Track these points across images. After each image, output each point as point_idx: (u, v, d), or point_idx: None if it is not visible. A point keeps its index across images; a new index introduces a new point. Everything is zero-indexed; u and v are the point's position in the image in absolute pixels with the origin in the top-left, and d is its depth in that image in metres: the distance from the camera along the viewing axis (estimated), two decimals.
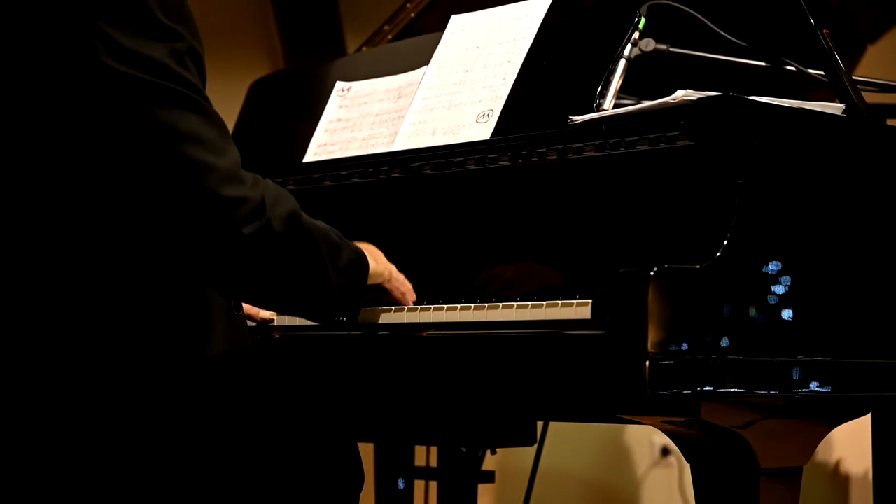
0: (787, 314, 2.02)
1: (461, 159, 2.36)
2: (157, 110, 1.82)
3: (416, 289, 2.26)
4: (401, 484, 3.06)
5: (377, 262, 2.19)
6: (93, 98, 1.82)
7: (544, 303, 2.03)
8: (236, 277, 1.93)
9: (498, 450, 3.00)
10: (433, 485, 3.50)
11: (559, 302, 2.01)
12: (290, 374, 2.26)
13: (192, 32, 1.89)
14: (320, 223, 2.05)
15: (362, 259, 2.12)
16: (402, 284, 2.25)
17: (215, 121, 1.88)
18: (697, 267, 1.93)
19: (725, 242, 1.96)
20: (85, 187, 1.86)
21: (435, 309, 2.18)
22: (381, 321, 2.24)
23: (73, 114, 1.83)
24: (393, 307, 2.24)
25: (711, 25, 2.37)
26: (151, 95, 1.82)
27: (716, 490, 2.05)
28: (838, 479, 4.11)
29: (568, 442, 4.14)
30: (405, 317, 2.21)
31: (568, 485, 4.39)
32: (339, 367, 2.38)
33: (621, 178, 2.14)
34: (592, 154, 2.18)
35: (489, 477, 2.99)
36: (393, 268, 2.23)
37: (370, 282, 2.15)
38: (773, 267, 2.01)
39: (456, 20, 2.59)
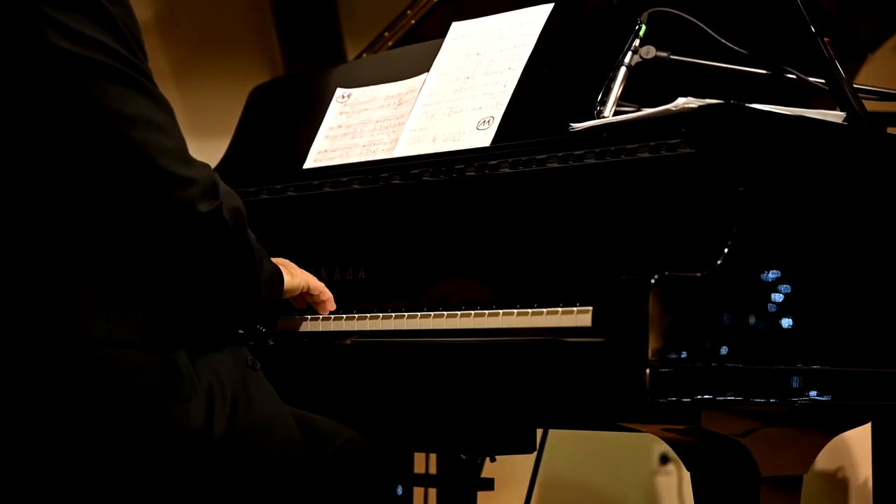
0: (786, 322, 2.02)
1: (461, 166, 2.35)
2: (108, 90, 1.87)
3: (415, 296, 2.26)
4: (399, 490, 3.05)
5: (293, 275, 2.26)
6: (47, 79, 1.87)
7: (545, 310, 2.02)
8: (190, 257, 1.94)
9: (497, 457, 3.00)
10: (432, 492, 3.49)
11: (559, 309, 2.01)
12: (288, 377, 2.27)
13: (131, 16, 1.94)
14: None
15: (278, 273, 2.17)
16: (322, 293, 2.31)
17: (163, 104, 1.94)
18: (698, 275, 1.93)
19: (726, 250, 1.96)
20: (41, 168, 1.90)
21: (435, 316, 2.18)
22: (381, 328, 2.24)
23: (29, 96, 1.88)
24: (393, 314, 2.24)
25: (712, 33, 2.37)
26: (102, 75, 1.87)
27: (716, 498, 2.05)
28: (838, 488, 4.11)
29: (567, 449, 4.14)
30: (405, 323, 2.21)
31: (567, 492, 4.39)
32: (335, 375, 2.38)
33: (622, 186, 2.14)
34: (593, 161, 2.18)
35: (488, 484, 2.98)
36: (310, 278, 2.30)
37: (287, 295, 2.23)
38: (772, 275, 2.01)
39: (456, 27, 2.59)
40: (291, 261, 2.32)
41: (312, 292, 2.30)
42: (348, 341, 2.32)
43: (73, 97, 1.87)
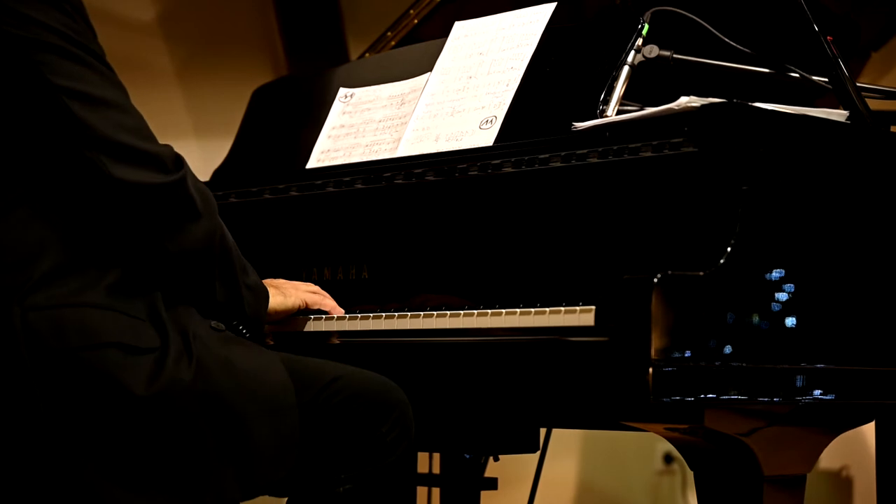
0: (790, 321, 2.02)
1: (464, 166, 2.35)
2: (62, 69, 1.91)
3: (418, 295, 2.26)
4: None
5: (286, 296, 2.27)
6: (3, 63, 1.91)
7: (547, 309, 2.02)
8: (149, 229, 1.96)
9: (501, 456, 3.00)
10: (436, 491, 3.49)
11: (562, 308, 2.01)
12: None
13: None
14: None
15: (264, 290, 2.18)
16: (321, 304, 2.32)
17: (117, 83, 1.97)
18: (701, 274, 1.92)
19: (729, 249, 1.96)
20: (7, 149, 1.94)
21: (438, 316, 2.18)
22: (383, 328, 2.24)
23: None
24: (396, 313, 2.24)
25: (715, 32, 2.37)
26: (54, 55, 1.91)
27: (719, 497, 2.05)
28: (842, 487, 4.11)
29: (571, 449, 4.14)
30: (408, 323, 2.21)
31: (571, 492, 4.38)
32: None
33: (625, 185, 2.14)
34: (596, 160, 2.18)
35: (492, 484, 2.98)
36: (307, 296, 2.31)
37: (282, 315, 2.26)
38: (776, 274, 2.01)
39: (459, 27, 2.59)
40: (294, 260, 2.32)
41: (311, 307, 2.32)
42: (351, 340, 2.31)
43: (27, 76, 1.91)
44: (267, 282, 2.22)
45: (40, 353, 1.87)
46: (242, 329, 2.12)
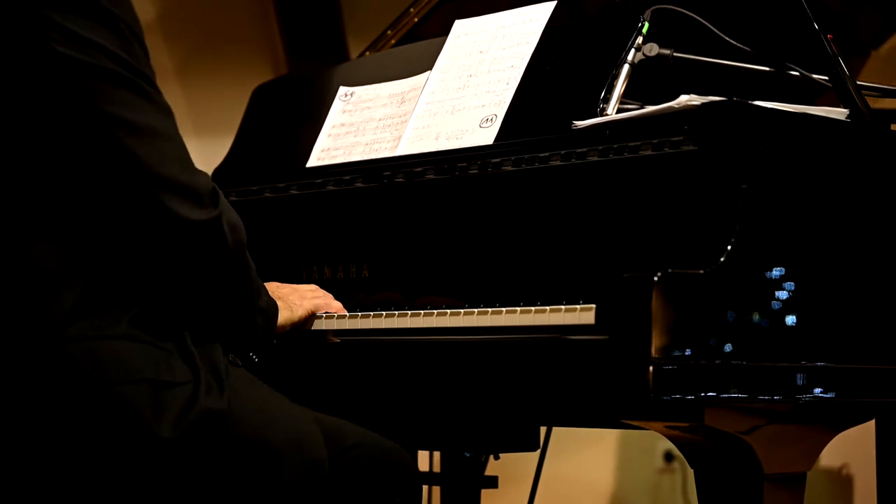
0: (790, 319, 2.02)
1: (464, 164, 2.35)
2: (112, 96, 1.86)
3: (419, 294, 2.26)
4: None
5: (293, 310, 2.24)
6: (51, 85, 1.86)
7: (547, 307, 2.02)
8: (182, 264, 1.92)
9: (501, 455, 3.00)
10: (436, 490, 3.50)
11: (562, 307, 2.00)
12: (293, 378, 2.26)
13: (132, 15, 1.92)
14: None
15: (274, 306, 2.14)
16: (328, 305, 2.31)
17: (164, 108, 1.92)
18: (701, 272, 1.92)
19: (729, 248, 1.96)
20: (38, 171, 1.88)
21: (438, 314, 2.17)
22: (384, 326, 2.24)
23: (33, 101, 1.86)
24: (396, 312, 2.24)
25: (715, 30, 2.37)
26: (106, 82, 1.86)
27: (720, 496, 2.05)
28: (843, 485, 4.11)
29: (571, 447, 4.14)
30: (408, 322, 2.21)
31: (571, 490, 4.38)
32: (339, 373, 2.38)
33: (625, 183, 2.14)
34: (596, 159, 2.18)
35: (492, 482, 2.98)
36: (316, 300, 2.29)
37: (289, 328, 2.23)
38: (776, 272, 2.01)
39: (459, 25, 2.59)
40: (295, 259, 2.32)
41: (317, 313, 2.30)
42: (351, 339, 2.31)
43: (76, 102, 1.85)
44: (272, 292, 2.18)
45: (79, 385, 1.83)
46: (253, 356, 2.10)
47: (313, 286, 2.36)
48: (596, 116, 2.24)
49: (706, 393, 1.90)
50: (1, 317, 1.86)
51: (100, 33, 1.86)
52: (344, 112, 2.70)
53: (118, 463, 1.84)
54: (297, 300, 2.27)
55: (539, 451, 3.13)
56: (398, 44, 3.10)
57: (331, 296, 2.35)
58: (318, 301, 2.31)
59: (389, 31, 3.14)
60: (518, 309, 2.06)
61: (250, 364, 2.10)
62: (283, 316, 2.20)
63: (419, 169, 2.42)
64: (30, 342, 1.84)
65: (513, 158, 2.29)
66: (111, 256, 1.90)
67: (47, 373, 1.83)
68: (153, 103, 1.90)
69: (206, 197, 1.93)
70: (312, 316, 2.32)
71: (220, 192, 1.97)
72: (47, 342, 1.84)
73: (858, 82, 2.38)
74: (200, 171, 1.95)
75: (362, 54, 3.21)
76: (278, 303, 2.16)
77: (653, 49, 2.31)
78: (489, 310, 2.11)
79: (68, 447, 1.84)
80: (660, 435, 2.07)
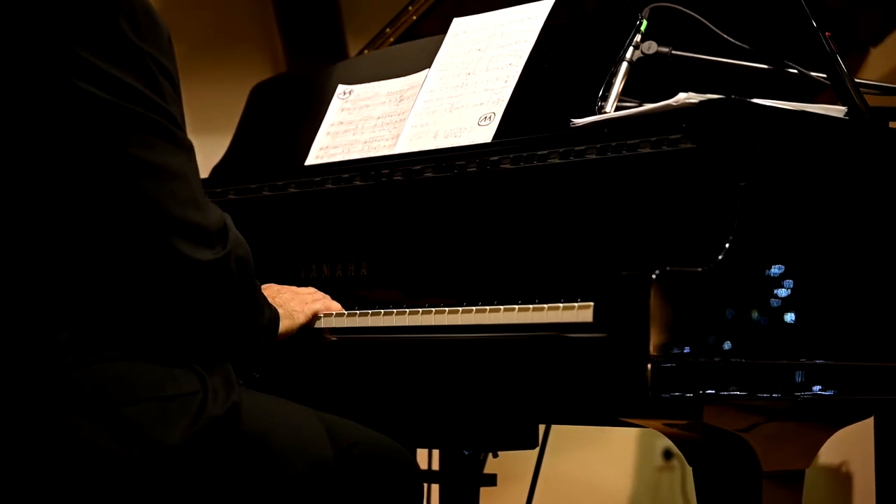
0: (789, 317, 2.02)
1: (463, 162, 2.35)
2: (130, 136, 1.81)
3: (417, 292, 2.25)
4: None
5: (293, 318, 2.23)
6: (68, 121, 1.81)
7: (546, 305, 2.02)
8: (186, 302, 1.89)
9: (500, 453, 3.00)
10: (435, 488, 3.50)
11: (560, 305, 2.01)
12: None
13: (163, 48, 1.87)
14: None
15: (276, 319, 2.12)
16: (328, 307, 2.29)
17: (183, 147, 1.88)
18: (699, 270, 1.92)
19: (727, 245, 1.96)
20: (46, 203, 1.84)
21: (436, 312, 2.17)
22: (381, 324, 2.24)
23: (49, 134, 1.82)
24: (395, 310, 2.24)
25: (713, 28, 2.37)
26: (125, 122, 1.81)
27: (718, 493, 2.05)
28: (841, 482, 4.11)
29: (570, 445, 4.14)
30: (406, 320, 2.21)
31: (570, 488, 4.39)
32: (336, 371, 2.38)
33: (623, 181, 2.14)
34: (594, 157, 2.18)
35: (491, 480, 2.98)
36: (315, 304, 2.28)
37: (291, 334, 2.21)
38: (775, 270, 2.01)
39: (458, 23, 2.59)
40: (293, 258, 2.32)
41: (320, 315, 2.30)
42: (350, 337, 2.31)
43: (93, 140, 1.81)
44: (271, 298, 2.15)
45: (84, 410, 1.81)
46: (255, 373, 2.10)
47: (312, 289, 2.36)
48: (594, 114, 2.24)
49: (705, 391, 1.90)
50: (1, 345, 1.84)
51: (124, 71, 1.81)
52: (342, 110, 2.70)
53: (130, 475, 1.83)
54: (297, 306, 2.26)
55: (538, 449, 3.13)
56: (397, 42, 3.10)
57: (329, 297, 2.34)
58: (317, 305, 2.30)
59: (388, 29, 3.14)
60: (516, 307, 2.06)
61: (252, 382, 2.10)
62: (284, 325, 2.18)
63: (418, 167, 2.42)
64: (30, 370, 1.82)
65: (511, 156, 2.29)
66: (114, 285, 1.87)
67: (51, 399, 1.81)
68: (172, 143, 1.85)
69: (216, 236, 1.90)
70: (313, 317, 2.32)
71: (230, 227, 1.94)
72: (48, 369, 1.81)
73: (857, 80, 2.38)
74: (211, 207, 1.91)
75: (361, 52, 3.21)
76: (279, 311, 2.14)
77: (651, 47, 2.31)
78: (487, 307, 2.11)
79: (75, 467, 1.81)
80: (658, 433, 2.07)
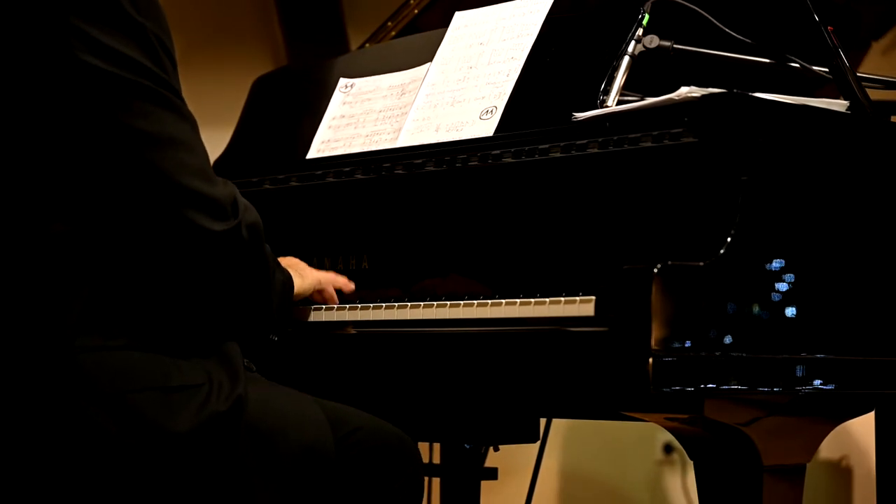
0: (790, 311, 2.02)
1: (464, 156, 2.35)
2: (134, 107, 1.83)
3: (419, 285, 2.26)
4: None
5: (303, 278, 2.25)
6: (72, 94, 1.82)
7: (547, 299, 2.02)
8: (199, 276, 1.91)
9: (501, 446, 3.00)
10: (436, 481, 3.50)
11: (562, 299, 2.01)
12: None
13: (162, 26, 1.89)
14: None
15: (290, 281, 2.15)
16: (333, 282, 2.31)
17: (188, 119, 1.90)
18: (701, 264, 1.92)
19: (729, 239, 1.96)
20: (54, 176, 1.85)
21: (438, 306, 2.18)
22: (383, 318, 2.24)
23: (52, 109, 1.84)
24: (396, 303, 2.24)
25: (715, 22, 2.37)
26: (128, 93, 1.83)
27: (719, 487, 2.05)
28: (842, 476, 4.11)
29: (571, 439, 4.14)
30: (408, 313, 2.22)
31: (571, 482, 4.39)
32: (337, 364, 2.38)
33: (625, 175, 2.14)
34: (596, 151, 2.18)
35: (492, 474, 2.98)
36: (320, 275, 2.30)
37: (298, 298, 2.22)
38: (776, 264, 2.01)
39: (459, 17, 2.59)
40: (294, 251, 2.32)
41: (324, 286, 2.30)
42: (351, 331, 2.32)
43: (98, 112, 1.82)
44: (284, 263, 2.17)
45: (90, 394, 1.81)
46: (273, 336, 2.10)
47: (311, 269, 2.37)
48: (596, 108, 2.24)
49: (706, 385, 1.91)
50: (11, 322, 1.84)
51: (125, 43, 1.83)
52: (344, 104, 2.70)
53: (134, 462, 1.84)
54: (306, 269, 2.28)
55: (539, 443, 3.13)
56: (398, 35, 3.10)
57: (337, 273, 2.35)
58: (327, 275, 2.31)
59: (390, 23, 3.14)
60: (518, 301, 2.06)
61: (270, 344, 2.11)
62: (296, 284, 2.20)
63: (419, 161, 2.42)
64: (41, 351, 1.83)
65: (513, 150, 2.29)
66: (122, 264, 1.88)
67: (59, 381, 1.82)
68: (176, 114, 1.87)
69: (229, 208, 1.91)
70: (310, 307, 2.32)
71: (239, 197, 1.95)
72: (58, 352, 1.82)
73: (859, 74, 2.38)
74: (221, 180, 1.93)
75: (362, 46, 3.21)
76: (290, 272, 2.16)
77: (653, 41, 2.31)
78: (489, 301, 2.11)
79: (82, 451, 1.82)
80: (659, 426, 2.07)
